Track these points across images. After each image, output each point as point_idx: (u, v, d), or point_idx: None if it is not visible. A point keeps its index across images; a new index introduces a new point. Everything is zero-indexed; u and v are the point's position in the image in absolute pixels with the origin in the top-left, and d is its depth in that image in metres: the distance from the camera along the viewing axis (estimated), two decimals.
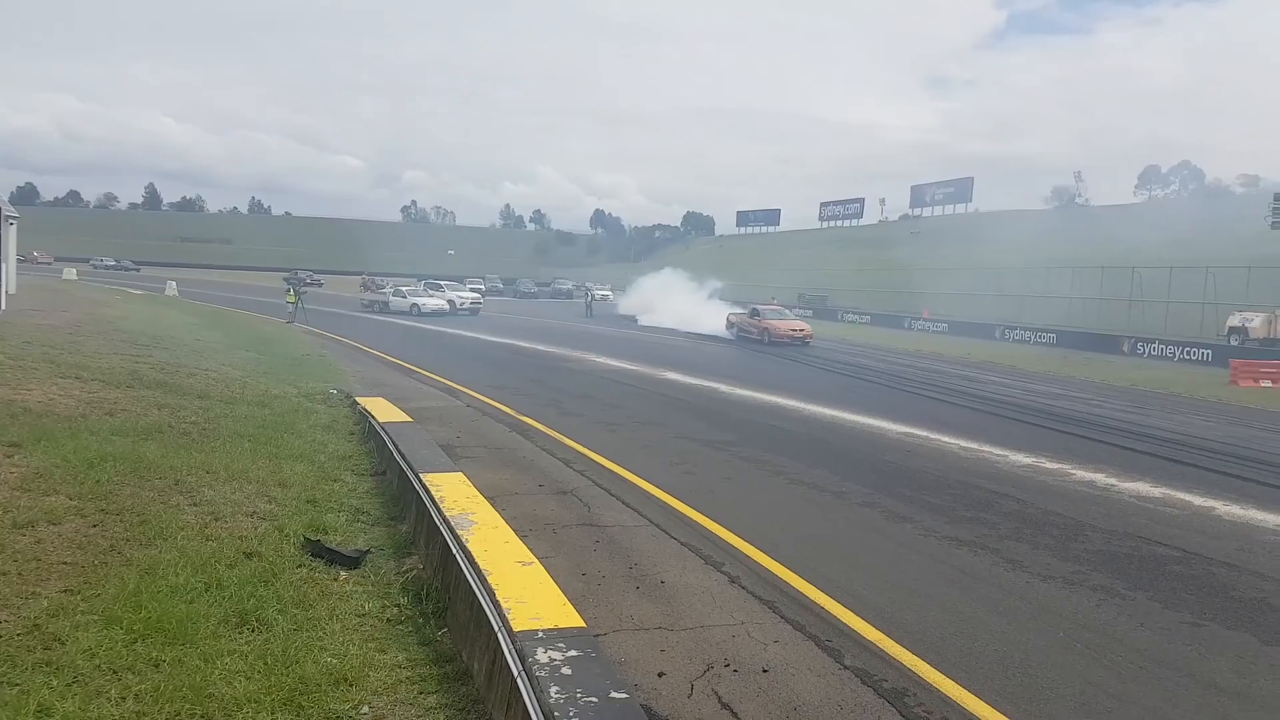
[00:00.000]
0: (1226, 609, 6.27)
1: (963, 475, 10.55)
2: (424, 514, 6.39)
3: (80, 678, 4.00)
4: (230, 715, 3.86)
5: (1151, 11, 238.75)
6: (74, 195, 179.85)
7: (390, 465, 8.36)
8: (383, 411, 10.58)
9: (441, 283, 49.82)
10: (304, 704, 4.01)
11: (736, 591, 6.16)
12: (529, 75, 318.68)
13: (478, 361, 22.16)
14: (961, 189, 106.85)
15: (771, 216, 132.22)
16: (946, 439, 13.07)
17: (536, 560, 5.19)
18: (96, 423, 8.84)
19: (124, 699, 3.88)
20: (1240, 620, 6.06)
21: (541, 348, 26.48)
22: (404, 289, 44.17)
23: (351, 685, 4.25)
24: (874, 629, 5.56)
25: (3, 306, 21.51)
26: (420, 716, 4.10)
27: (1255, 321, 34.89)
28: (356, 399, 12.17)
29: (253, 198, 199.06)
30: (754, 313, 34.53)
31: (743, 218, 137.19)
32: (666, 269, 52.62)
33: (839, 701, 4.61)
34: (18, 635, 4.32)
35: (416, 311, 39.79)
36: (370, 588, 5.62)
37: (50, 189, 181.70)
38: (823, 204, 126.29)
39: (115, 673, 4.08)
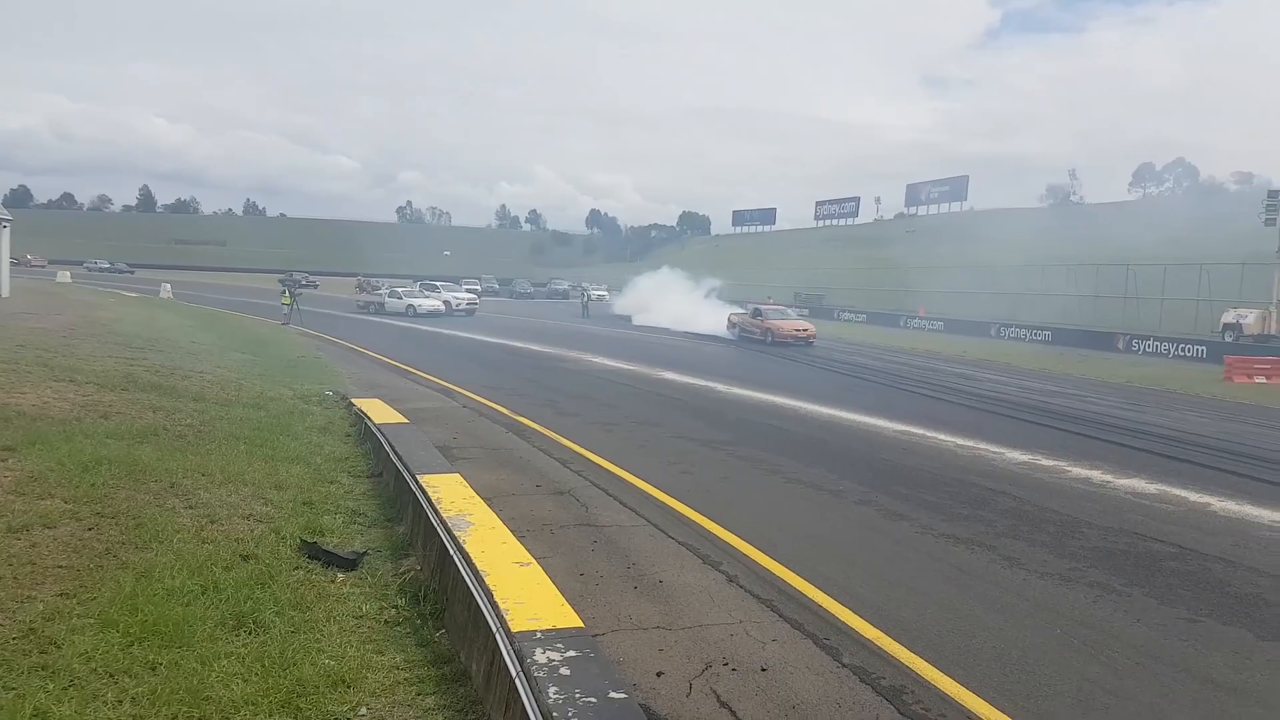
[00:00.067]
0: (1222, 604, 6.29)
1: (959, 473, 10.57)
2: (421, 515, 6.37)
3: (76, 681, 3.99)
4: (228, 718, 3.85)
5: (1143, 10, 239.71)
6: (67, 197, 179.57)
7: (387, 467, 8.34)
8: (379, 413, 10.54)
9: (437, 283, 49.85)
10: (302, 706, 4.00)
11: (734, 590, 6.16)
12: (529, 75, 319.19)
13: (473, 362, 22.15)
14: (957, 187, 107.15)
15: (767, 216, 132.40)
16: (943, 437, 13.09)
17: (534, 561, 5.17)
18: (91, 426, 8.81)
19: (120, 702, 3.87)
20: (1236, 616, 6.08)
21: (537, 348, 26.47)
22: (400, 290, 44.16)
23: (349, 687, 4.24)
24: (872, 627, 5.57)
25: None
26: (419, 718, 4.10)
27: (1249, 318, 35.08)
28: (352, 400, 12.15)
29: (248, 199, 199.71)
30: (756, 313, 34.52)
31: (739, 217, 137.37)
32: (664, 268, 52.57)
33: (837, 699, 4.61)
34: (13, 639, 4.31)
35: (412, 313, 39.80)
36: (367, 589, 5.60)
37: (42, 190, 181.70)
38: (818, 203, 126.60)
39: (112, 676, 4.07)
